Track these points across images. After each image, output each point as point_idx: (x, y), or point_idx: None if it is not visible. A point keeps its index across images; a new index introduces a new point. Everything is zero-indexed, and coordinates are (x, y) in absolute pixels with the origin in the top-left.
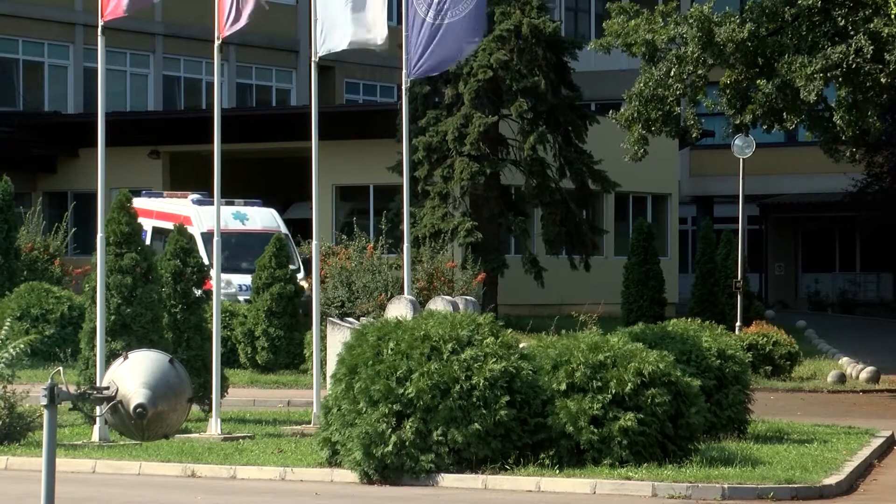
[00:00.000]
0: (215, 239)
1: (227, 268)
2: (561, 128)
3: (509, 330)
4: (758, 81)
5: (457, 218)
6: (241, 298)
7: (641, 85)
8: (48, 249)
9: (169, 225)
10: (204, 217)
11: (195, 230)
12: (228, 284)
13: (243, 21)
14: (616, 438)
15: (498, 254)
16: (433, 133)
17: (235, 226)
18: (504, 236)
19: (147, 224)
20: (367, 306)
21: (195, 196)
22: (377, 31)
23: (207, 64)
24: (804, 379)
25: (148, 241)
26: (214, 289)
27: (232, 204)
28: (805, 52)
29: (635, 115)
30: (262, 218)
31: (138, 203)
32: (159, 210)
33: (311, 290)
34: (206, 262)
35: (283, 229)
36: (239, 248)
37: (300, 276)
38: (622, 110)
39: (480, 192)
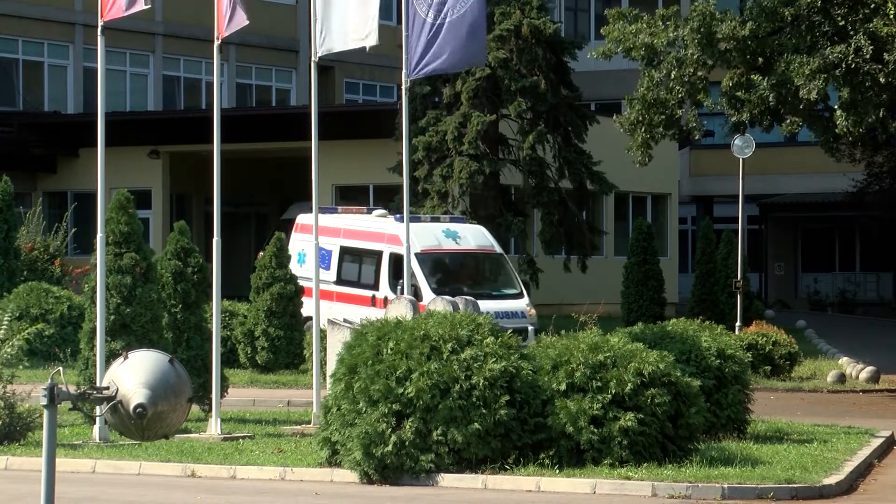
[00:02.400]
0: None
1: (447, 291)
2: (560, 128)
3: (509, 330)
4: (753, 77)
5: None
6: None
7: (643, 89)
8: (48, 249)
9: (367, 244)
10: (416, 236)
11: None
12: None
13: (243, 20)
14: (616, 438)
15: None
16: (433, 133)
17: (449, 245)
18: (503, 236)
19: (330, 243)
20: None
21: (389, 213)
22: (372, 33)
23: (207, 64)
24: (804, 379)
25: (335, 262)
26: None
27: (438, 220)
28: (804, 51)
29: (639, 118)
30: (475, 236)
31: (320, 220)
32: (349, 228)
33: (532, 315)
34: (423, 284)
35: (497, 248)
36: (455, 269)
37: (524, 302)
38: (625, 114)
39: (479, 192)
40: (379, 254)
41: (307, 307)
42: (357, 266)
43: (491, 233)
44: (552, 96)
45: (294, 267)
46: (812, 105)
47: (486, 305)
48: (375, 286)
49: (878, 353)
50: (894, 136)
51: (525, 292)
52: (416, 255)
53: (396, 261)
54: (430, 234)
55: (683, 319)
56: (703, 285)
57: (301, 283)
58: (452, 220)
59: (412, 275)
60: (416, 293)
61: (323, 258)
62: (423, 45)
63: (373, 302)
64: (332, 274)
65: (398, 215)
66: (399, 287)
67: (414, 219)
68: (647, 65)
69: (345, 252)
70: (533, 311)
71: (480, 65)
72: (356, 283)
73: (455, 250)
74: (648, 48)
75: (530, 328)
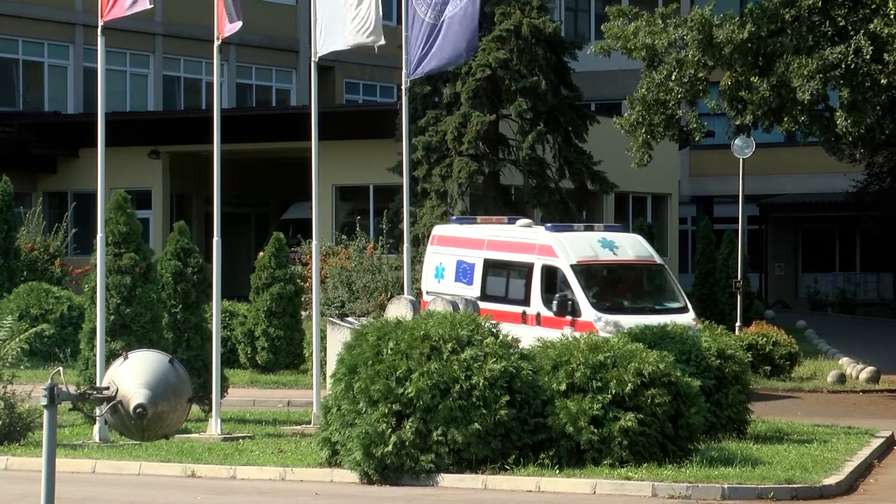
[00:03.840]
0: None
1: (608, 307)
2: (561, 128)
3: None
4: (752, 79)
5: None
6: None
7: (644, 90)
8: (48, 249)
9: (516, 256)
10: (570, 246)
11: (561, 261)
12: (617, 328)
13: (238, 22)
14: (616, 438)
15: None
16: (432, 133)
17: (606, 255)
18: None
19: (472, 256)
20: (367, 306)
21: (533, 223)
22: (375, 33)
23: (207, 64)
24: (804, 379)
25: (478, 277)
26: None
27: (592, 229)
28: (805, 52)
29: (640, 119)
30: (633, 245)
31: (454, 231)
32: (494, 239)
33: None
34: (581, 299)
35: (658, 258)
36: (613, 282)
37: (690, 317)
38: (625, 115)
39: (479, 192)
40: (530, 266)
41: None
42: (504, 280)
43: None
44: (552, 96)
45: (429, 282)
46: (812, 105)
47: (650, 320)
48: (526, 301)
49: (878, 353)
50: (894, 136)
51: (689, 305)
52: (572, 266)
53: (549, 273)
54: (585, 244)
55: None
56: (703, 285)
57: (431, 298)
58: (607, 228)
59: (569, 289)
60: (574, 309)
61: (465, 272)
62: (422, 45)
63: (523, 319)
64: (475, 289)
65: (549, 224)
66: (555, 302)
67: (565, 227)
68: (649, 66)
69: (489, 265)
70: (699, 326)
71: (471, 55)
72: (503, 299)
73: (613, 261)
74: (649, 49)
75: None
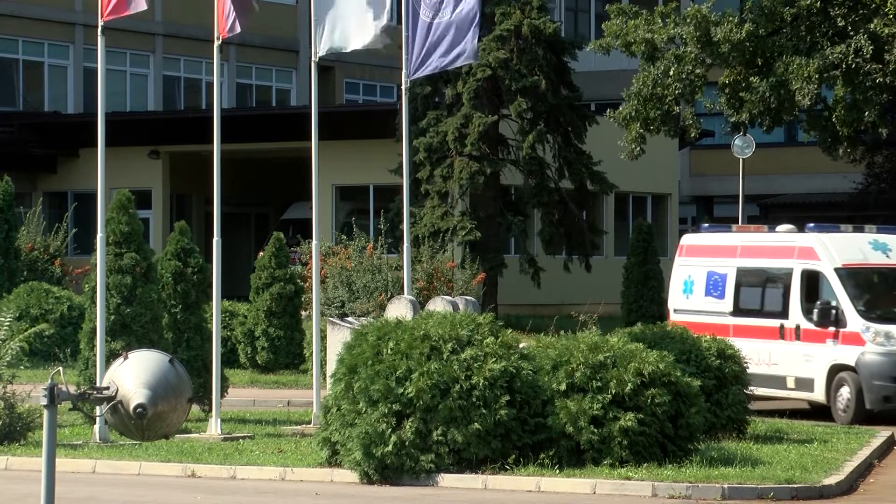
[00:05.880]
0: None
1: (878, 315)
2: (561, 128)
3: (509, 330)
4: (751, 80)
5: (456, 217)
6: None
7: (640, 84)
8: (48, 249)
9: (771, 262)
10: (835, 248)
11: (824, 265)
12: (888, 339)
13: (239, 27)
14: (616, 438)
15: (497, 253)
16: (433, 133)
17: (877, 259)
18: (503, 236)
19: (724, 265)
20: (367, 306)
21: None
22: (380, 33)
23: (207, 64)
24: None
25: (730, 288)
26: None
27: (863, 230)
28: (804, 52)
29: (633, 113)
30: None
31: (704, 240)
32: (747, 244)
33: None
34: (846, 307)
35: None
36: (886, 290)
37: None
38: (620, 108)
39: (480, 192)
40: (788, 272)
41: None
42: (759, 291)
43: (492, 233)
44: (552, 96)
45: (677, 298)
46: (811, 107)
47: None
48: (784, 313)
49: None
50: (891, 137)
51: None
52: (836, 270)
53: (810, 279)
54: (853, 246)
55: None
56: None
57: (681, 317)
58: (880, 230)
59: (833, 295)
60: (838, 318)
61: (715, 285)
62: (423, 46)
63: (781, 333)
64: (727, 303)
65: (811, 224)
66: (817, 311)
67: (830, 228)
68: (648, 60)
69: (742, 275)
70: None
71: (473, 58)
72: (758, 313)
73: (886, 265)
74: (648, 44)
75: None
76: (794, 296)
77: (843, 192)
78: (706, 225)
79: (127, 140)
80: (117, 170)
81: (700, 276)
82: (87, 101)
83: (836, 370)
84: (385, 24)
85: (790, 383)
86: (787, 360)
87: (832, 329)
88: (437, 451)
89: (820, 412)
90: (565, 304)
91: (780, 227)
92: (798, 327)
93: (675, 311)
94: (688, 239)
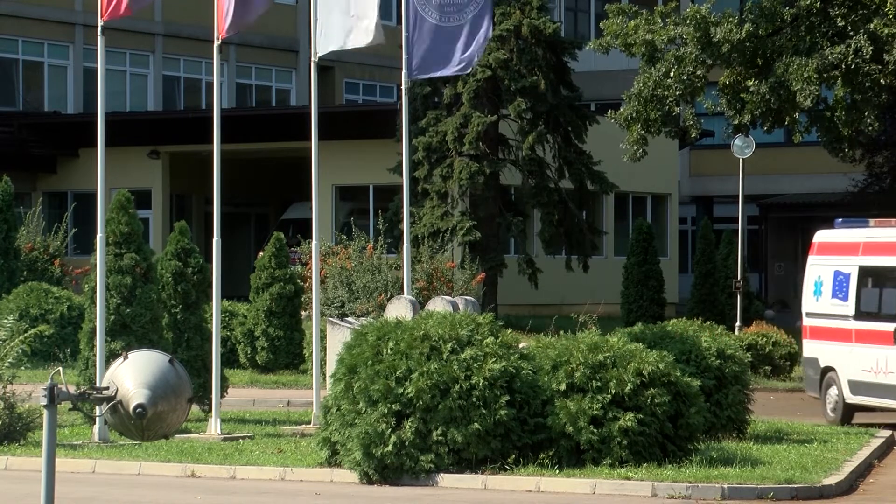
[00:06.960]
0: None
1: None
2: (560, 128)
3: (509, 330)
4: (749, 82)
5: (455, 217)
6: None
7: (641, 85)
8: (48, 249)
9: (891, 260)
10: None
11: None
12: None
13: (235, 28)
14: (616, 438)
15: (496, 253)
16: (433, 133)
17: None
18: (503, 236)
19: (848, 264)
20: (367, 306)
21: None
22: (375, 33)
23: (207, 64)
24: (804, 379)
25: (853, 289)
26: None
27: None
28: (804, 53)
29: (634, 114)
30: None
31: (834, 236)
32: (871, 241)
33: None
34: None
35: None
36: None
37: None
38: (621, 110)
39: (479, 192)
40: None
41: (821, 353)
42: (877, 291)
43: (492, 233)
44: (552, 96)
45: (808, 300)
46: (813, 107)
47: None
48: None
49: None
50: (891, 137)
51: None
52: None
53: None
54: None
55: (683, 319)
56: (702, 285)
57: (813, 321)
58: None
59: None
60: None
61: (840, 285)
62: (423, 46)
63: None
64: (849, 306)
65: (839, 220)
66: None
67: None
68: (648, 61)
69: (864, 274)
70: None
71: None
72: (877, 315)
73: None
74: (649, 45)
75: None
76: None
77: (843, 192)
78: (840, 220)
79: (127, 140)
80: (117, 170)
81: (828, 276)
82: (87, 101)
83: None
84: (378, 22)
85: None
86: None
87: None
88: (437, 451)
89: None
90: (565, 304)
91: None
92: None
93: (806, 314)
94: (820, 235)
